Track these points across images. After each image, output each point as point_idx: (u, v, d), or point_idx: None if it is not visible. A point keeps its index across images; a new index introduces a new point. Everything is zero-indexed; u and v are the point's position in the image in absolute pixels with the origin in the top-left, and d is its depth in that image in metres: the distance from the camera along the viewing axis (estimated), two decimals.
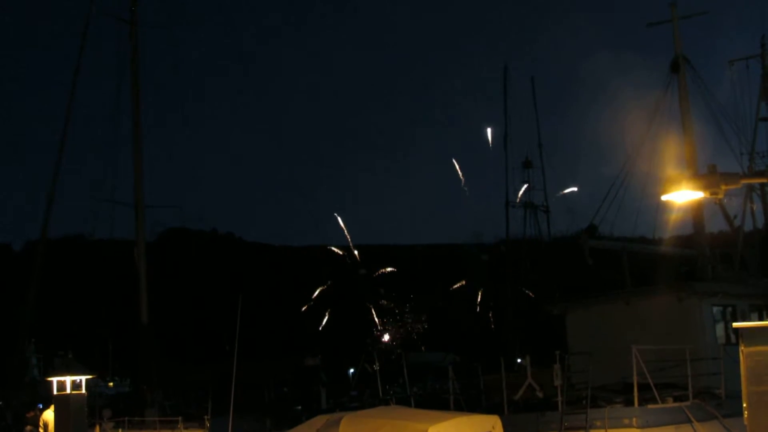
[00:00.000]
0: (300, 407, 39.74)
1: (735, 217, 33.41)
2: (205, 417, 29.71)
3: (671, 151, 31.47)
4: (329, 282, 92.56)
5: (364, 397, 45.64)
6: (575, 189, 64.09)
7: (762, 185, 34.95)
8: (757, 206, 36.00)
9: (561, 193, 63.72)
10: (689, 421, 20.63)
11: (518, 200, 58.99)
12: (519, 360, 40.68)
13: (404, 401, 27.45)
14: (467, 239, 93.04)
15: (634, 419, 20.19)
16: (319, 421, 17.82)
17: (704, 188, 23.12)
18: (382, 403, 28.24)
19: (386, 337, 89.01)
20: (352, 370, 65.39)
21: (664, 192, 22.47)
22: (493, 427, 17.35)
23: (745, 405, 15.75)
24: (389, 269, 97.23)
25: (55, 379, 24.56)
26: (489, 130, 61.36)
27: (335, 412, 21.06)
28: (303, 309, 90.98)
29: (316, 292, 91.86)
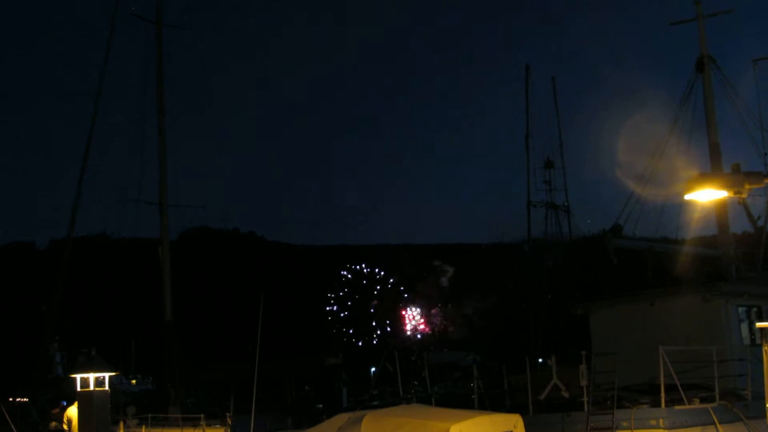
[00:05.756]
0: (321, 406, 39.78)
1: (759, 217, 33.13)
2: (227, 415, 29.79)
3: (695, 150, 31.31)
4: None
5: (385, 395, 45.64)
6: None
7: None
8: None
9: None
10: (715, 423, 20.49)
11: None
12: (540, 360, 40.56)
13: (425, 400, 27.42)
14: (493, 238, 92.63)
15: (661, 420, 20.04)
16: (341, 419, 17.86)
17: (728, 187, 22.99)
18: (403, 401, 28.24)
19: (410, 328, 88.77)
20: (373, 369, 65.39)
21: (688, 191, 22.38)
22: (515, 426, 17.32)
23: None
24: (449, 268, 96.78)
25: (78, 376, 24.66)
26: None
27: (357, 411, 21.05)
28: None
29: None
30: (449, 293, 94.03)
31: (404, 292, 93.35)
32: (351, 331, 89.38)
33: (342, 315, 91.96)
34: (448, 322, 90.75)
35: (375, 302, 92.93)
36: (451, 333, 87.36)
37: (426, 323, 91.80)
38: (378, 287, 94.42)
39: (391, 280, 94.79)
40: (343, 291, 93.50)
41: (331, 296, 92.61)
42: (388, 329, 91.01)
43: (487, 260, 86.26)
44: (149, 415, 31.21)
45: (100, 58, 38.42)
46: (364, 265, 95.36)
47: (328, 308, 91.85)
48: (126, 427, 30.83)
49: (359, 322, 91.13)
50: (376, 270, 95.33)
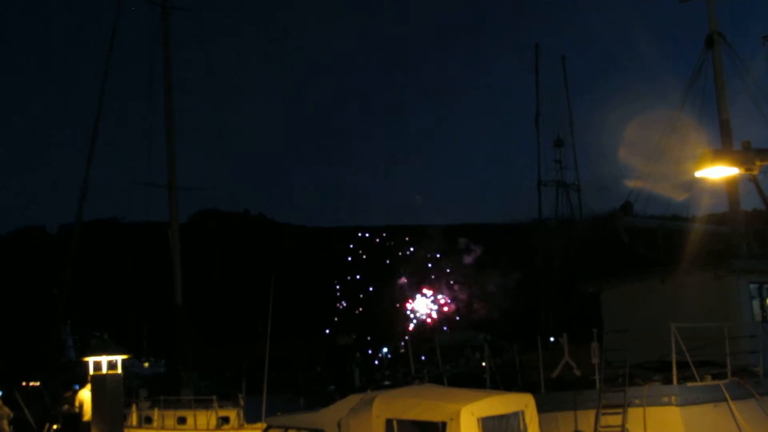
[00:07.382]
0: (333, 386, 39.86)
1: None
2: (239, 396, 29.89)
3: (705, 128, 31.10)
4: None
5: (397, 375, 45.67)
6: None
7: None
8: None
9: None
10: (727, 399, 20.46)
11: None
12: (552, 338, 40.54)
13: (437, 380, 27.41)
14: (502, 218, 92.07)
15: (673, 397, 20.02)
16: (353, 400, 17.83)
17: (739, 164, 22.83)
18: (415, 381, 28.23)
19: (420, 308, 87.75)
20: (385, 349, 65.48)
21: (699, 168, 22.24)
22: (526, 406, 17.31)
23: None
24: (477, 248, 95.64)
25: (91, 360, 24.78)
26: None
27: (368, 392, 21.04)
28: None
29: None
30: (469, 272, 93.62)
31: (431, 269, 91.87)
32: (369, 339, 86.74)
33: (357, 312, 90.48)
34: (473, 300, 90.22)
35: (403, 279, 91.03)
36: (476, 312, 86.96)
37: (449, 302, 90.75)
38: (403, 267, 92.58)
39: (438, 255, 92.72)
40: (354, 276, 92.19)
41: (336, 285, 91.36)
42: (415, 312, 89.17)
43: (501, 240, 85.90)
44: (162, 397, 31.36)
45: (107, 40, 38.38)
46: (385, 235, 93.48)
47: (338, 305, 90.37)
48: (138, 409, 31.01)
49: (374, 315, 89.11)
50: (406, 238, 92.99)
